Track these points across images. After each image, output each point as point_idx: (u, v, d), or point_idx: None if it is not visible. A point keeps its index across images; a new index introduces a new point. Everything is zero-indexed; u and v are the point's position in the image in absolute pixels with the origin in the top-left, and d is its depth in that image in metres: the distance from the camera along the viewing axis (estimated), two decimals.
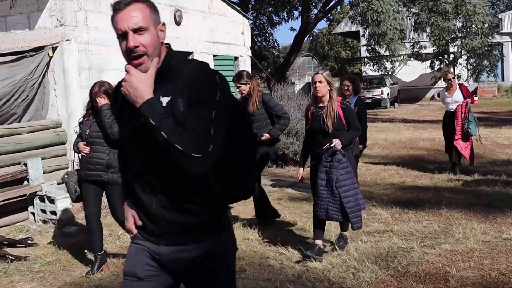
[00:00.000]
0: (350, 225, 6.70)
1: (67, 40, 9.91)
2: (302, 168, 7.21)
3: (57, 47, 9.91)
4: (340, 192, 6.36)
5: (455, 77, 12.49)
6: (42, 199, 9.06)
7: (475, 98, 12.26)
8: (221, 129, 2.65)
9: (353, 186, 6.48)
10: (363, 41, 31.03)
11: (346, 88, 9.11)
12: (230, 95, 2.87)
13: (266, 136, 8.12)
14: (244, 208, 9.46)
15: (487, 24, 23.45)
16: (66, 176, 6.96)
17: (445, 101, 12.25)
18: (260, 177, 8.91)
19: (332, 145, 6.44)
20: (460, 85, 12.20)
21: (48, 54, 9.85)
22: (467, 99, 11.69)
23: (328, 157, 6.45)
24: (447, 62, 26.79)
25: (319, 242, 6.74)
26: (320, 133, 6.69)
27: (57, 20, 9.90)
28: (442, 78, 12.56)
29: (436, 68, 27.84)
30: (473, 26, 23.15)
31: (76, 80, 9.99)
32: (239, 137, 2.83)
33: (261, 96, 8.28)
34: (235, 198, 2.90)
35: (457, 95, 11.87)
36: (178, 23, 12.52)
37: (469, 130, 11.39)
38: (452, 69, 31.92)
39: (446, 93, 12.14)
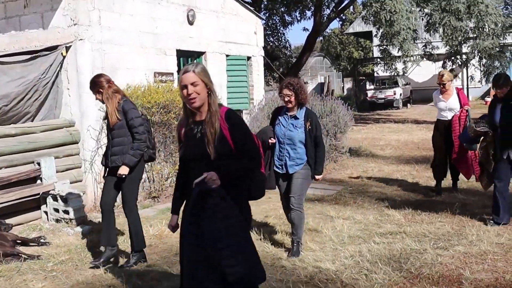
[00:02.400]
0: None
1: (81, 39, 9.93)
2: (176, 216, 4.59)
3: (70, 46, 9.94)
4: (216, 257, 3.88)
5: (454, 78, 11.18)
6: (55, 198, 9.08)
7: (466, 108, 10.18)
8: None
9: (242, 248, 3.97)
10: (376, 41, 30.93)
11: (286, 99, 6.84)
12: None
13: (123, 170, 6.68)
14: (256, 209, 9.45)
15: (499, 25, 23.30)
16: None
17: (437, 106, 10.54)
18: None
19: (198, 180, 3.99)
20: (458, 90, 10.42)
21: (62, 53, 9.87)
22: (467, 107, 9.89)
23: (196, 200, 3.98)
24: (460, 63, 26.62)
25: None
26: (196, 161, 4.25)
27: (71, 19, 9.92)
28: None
29: (448, 69, 27.69)
30: (486, 26, 23.02)
31: (89, 80, 9.98)
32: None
33: (121, 105, 6.80)
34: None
35: (453, 102, 10.14)
36: (191, 23, 12.53)
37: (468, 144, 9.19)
38: (464, 70, 31.80)
39: (440, 96, 10.38)
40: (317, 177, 7.04)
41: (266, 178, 5.26)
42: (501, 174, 8.04)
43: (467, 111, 9.79)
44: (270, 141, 6.95)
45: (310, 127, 6.84)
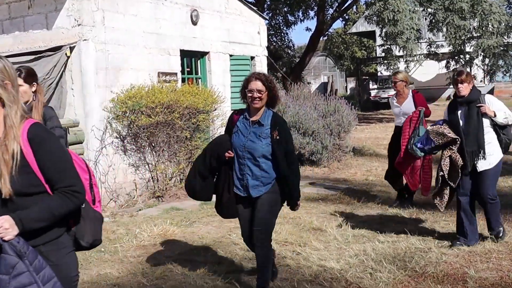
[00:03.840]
0: None
1: (85, 40, 9.95)
2: None
3: (74, 47, 9.95)
4: None
5: (408, 80, 9.58)
6: None
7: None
8: None
9: None
10: (379, 41, 30.93)
11: (256, 95, 5.41)
12: None
13: None
14: None
15: (503, 24, 23.30)
16: None
17: (393, 111, 9.64)
18: None
19: None
20: (414, 93, 9.33)
21: (66, 54, 9.89)
22: (420, 108, 8.76)
23: None
24: (463, 62, 26.62)
25: None
26: None
27: (75, 20, 9.94)
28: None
29: (451, 69, 27.67)
30: (489, 25, 23.03)
31: (93, 80, 10.03)
32: None
33: (44, 110, 5.47)
34: None
35: (408, 106, 9.18)
36: (194, 23, 12.53)
37: (413, 148, 7.65)
38: (468, 69, 31.76)
39: (395, 101, 9.44)
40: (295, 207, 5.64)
41: (101, 217, 3.56)
42: (465, 190, 6.94)
43: (419, 111, 8.61)
44: (227, 155, 5.47)
45: (278, 137, 5.31)
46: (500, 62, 25.78)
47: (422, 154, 7.62)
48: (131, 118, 10.24)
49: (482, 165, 6.81)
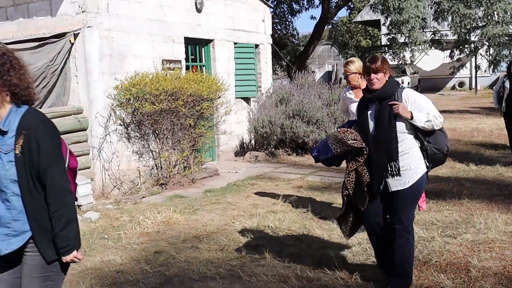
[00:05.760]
0: None
1: (89, 26, 9.92)
2: None
3: (78, 33, 9.93)
4: None
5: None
6: None
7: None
8: None
9: None
10: (384, 29, 30.85)
11: None
12: None
13: None
14: (263, 197, 9.48)
15: (509, 13, 23.20)
16: None
17: (350, 109, 7.18)
18: None
19: None
20: None
21: (70, 40, 9.87)
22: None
23: None
24: (468, 51, 26.54)
25: None
26: None
27: (79, 6, 9.91)
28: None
29: (455, 58, 27.61)
30: (495, 14, 22.95)
31: (97, 67, 10.02)
32: None
33: None
34: None
35: None
36: (199, 10, 12.50)
37: None
38: (472, 59, 31.62)
39: (352, 95, 7.20)
40: (65, 259, 3.49)
41: None
42: (371, 215, 5.39)
43: None
44: None
45: (20, 152, 3.35)
46: (505, 52, 25.69)
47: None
48: (135, 105, 10.24)
49: (394, 184, 5.18)
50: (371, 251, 6.42)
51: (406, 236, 5.25)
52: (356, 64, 7.02)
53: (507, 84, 11.26)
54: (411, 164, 5.16)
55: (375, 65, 5.16)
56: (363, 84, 6.48)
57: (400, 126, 5.13)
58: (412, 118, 5.09)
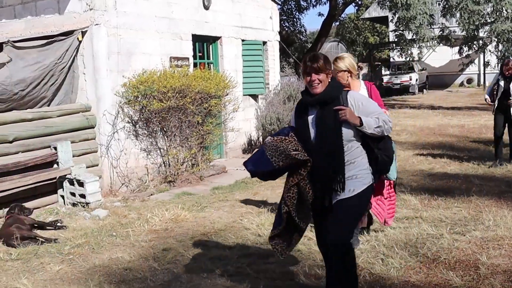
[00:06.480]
0: None
1: (97, 24, 9.93)
2: None
3: (86, 31, 9.93)
4: None
5: (360, 69, 6.90)
6: (71, 182, 9.13)
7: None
8: None
9: None
10: (392, 26, 30.75)
11: None
12: None
13: None
14: (271, 193, 9.47)
15: None
16: None
17: None
18: None
19: None
20: (369, 86, 6.64)
21: (78, 38, 9.88)
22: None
23: None
24: (476, 48, 26.41)
25: None
26: None
27: (87, 4, 9.92)
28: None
29: (464, 55, 27.48)
30: (503, 10, 22.83)
31: (105, 64, 10.02)
32: None
33: None
34: None
35: None
36: (206, 8, 12.49)
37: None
38: (481, 55, 31.51)
39: None
40: None
41: None
42: (321, 235, 4.82)
43: None
44: None
45: None
46: None
47: (394, 176, 6.17)
48: (143, 102, 10.24)
49: (340, 194, 4.55)
50: (380, 248, 6.41)
51: (347, 253, 4.62)
52: (346, 61, 6.34)
53: (501, 83, 11.03)
54: (358, 173, 4.56)
55: (316, 64, 4.51)
56: (354, 84, 6.34)
57: (347, 133, 4.49)
58: (361, 124, 4.45)
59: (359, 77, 6.74)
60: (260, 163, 4.64)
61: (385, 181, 6.34)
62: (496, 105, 11.10)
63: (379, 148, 4.62)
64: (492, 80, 11.77)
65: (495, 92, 11.20)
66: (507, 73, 10.90)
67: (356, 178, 4.53)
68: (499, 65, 12.36)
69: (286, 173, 4.68)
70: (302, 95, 4.71)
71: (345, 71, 6.27)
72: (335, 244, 4.51)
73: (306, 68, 4.54)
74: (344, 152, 4.49)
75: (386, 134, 4.60)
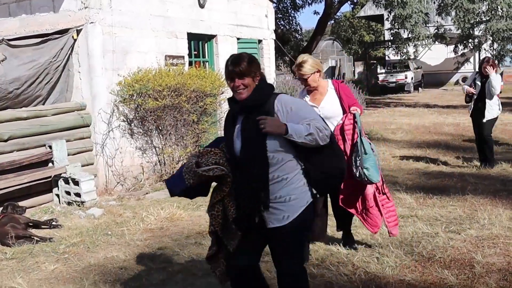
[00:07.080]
0: None
1: (92, 22, 9.91)
2: None
3: (81, 29, 9.91)
4: None
5: (338, 73, 5.78)
6: (66, 181, 9.11)
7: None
8: None
9: None
10: (387, 24, 30.77)
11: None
12: None
13: None
14: None
15: None
16: None
17: None
18: None
19: None
20: (337, 85, 6.21)
21: (73, 36, 9.86)
22: (354, 108, 5.97)
23: None
24: (471, 46, 26.44)
25: None
26: None
27: (81, 2, 9.90)
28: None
29: (459, 53, 27.52)
30: (499, 8, 22.88)
31: (100, 63, 10.01)
32: None
33: None
34: None
35: (329, 106, 6.10)
36: (202, 6, 12.47)
37: (365, 173, 5.78)
38: (476, 54, 31.55)
39: (307, 98, 6.17)
40: None
41: None
42: (239, 259, 4.25)
43: (354, 115, 5.96)
44: None
45: None
46: (509, 46, 25.60)
47: (378, 179, 5.83)
48: (138, 101, 10.23)
49: (271, 219, 4.03)
50: (375, 247, 6.41)
51: (303, 280, 4.20)
52: (310, 62, 5.94)
53: (478, 81, 10.68)
54: (291, 193, 3.99)
55: (239, 68, 3.95)
56: (321, 84, 6.06)
57: (272, 144, 3.92)
58: (287, 132, 3.85)
59: (326, 76, 6.45)
60: (178, 181, 4.18)
61: (370, 186, 6.04)
62: (473, 106, 10.89)
63: (310, 163, 4.03)
64: (468, 79, 11.31)
65: (471, 93, 10.82)
66: (485, 72, 10.42)
67: (290, 200, 3.98)
68: (478, 63, 11.88)
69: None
70: (229, 102, 4.19)
71: (314, 72, 5.95)
72: (291, 274, 4.14)
73: (228, 74, 4.02)
74: (268, 166, 3.94)
75: (322, 143, 3.94)
